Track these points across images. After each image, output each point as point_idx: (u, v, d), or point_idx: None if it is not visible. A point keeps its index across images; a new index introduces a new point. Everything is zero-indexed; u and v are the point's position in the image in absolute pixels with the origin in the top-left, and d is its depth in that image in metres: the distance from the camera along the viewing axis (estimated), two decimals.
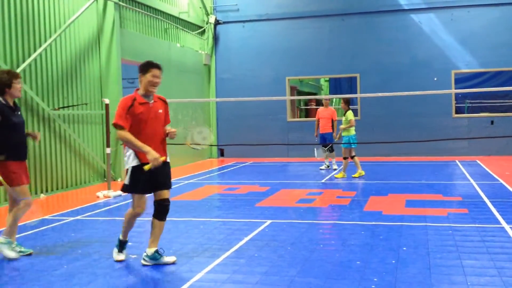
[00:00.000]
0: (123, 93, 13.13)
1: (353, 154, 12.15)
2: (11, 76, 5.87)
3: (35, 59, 10.48)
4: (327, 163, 14.06)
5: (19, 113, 6.06)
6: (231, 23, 18.56)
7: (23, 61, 10.20)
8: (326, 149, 13.64)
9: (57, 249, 6.17)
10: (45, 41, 10.77)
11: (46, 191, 10.70)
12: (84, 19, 12.05)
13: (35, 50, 10.49)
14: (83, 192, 11.04)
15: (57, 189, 11.02)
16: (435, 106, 16.75)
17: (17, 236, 6.15)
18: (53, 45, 11.07)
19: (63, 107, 11.24)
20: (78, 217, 8.15)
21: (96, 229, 7.32)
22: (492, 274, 4.85)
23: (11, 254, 5.80)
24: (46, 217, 8.23)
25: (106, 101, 10.99)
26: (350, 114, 11.91)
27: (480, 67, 16.75)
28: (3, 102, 5.85)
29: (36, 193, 10.40)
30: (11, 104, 5.94)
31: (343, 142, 12.05)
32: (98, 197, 10.02)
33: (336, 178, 12.05)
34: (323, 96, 25.27)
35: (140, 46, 14.13)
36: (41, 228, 7.38)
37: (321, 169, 13.99)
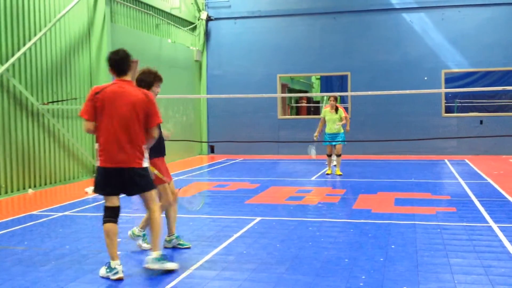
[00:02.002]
0: None
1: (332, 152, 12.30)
2: (156, 78, 5.56)
3: (24, 53, 10.39)
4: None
5: None
6: (223, 19, 18.52)
7: (12, 55, 10.11)
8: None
9: (45, 245, 6.14)
10: (35, 35, 10.68)
11: (34, 186, 10.63)
12: (75, 13, 11.96)
13: (24, 44, 10.40)
14: (72, 188, 10.98)
15: (45, 184, 10.96)
16: (425, 105, 16.83)
17: (3, 231, 6.11)
18: (42, 39, 10.98)
19: (52, 102, 11.16)
20: (66, 213, 8.11)
21: (85, 224, 7.28)
22: (479, 273, 4.88)
23: (145, 246, 5.85)
24: (34, 212, 8.19)
25: None
26: (343, 111, 12.03)
27: (470, 67, 16.84)
28: None
29: (24, 188, 10.34)
30: None
31: (342, 139, 12.06)
32: (86, 192, 9.97)
33: (339, 175, 12.06)
34: (314, 94, 25.31)
35: (131, 41, 14.04)
36: (29, 224, 7.33)
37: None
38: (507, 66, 16.53)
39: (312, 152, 13.54)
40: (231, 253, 5.69)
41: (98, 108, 4.88)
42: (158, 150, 5.65)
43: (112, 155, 4.86)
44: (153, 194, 5.13)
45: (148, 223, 5.29)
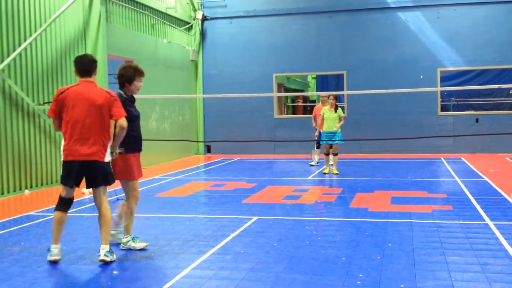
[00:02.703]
0: (109, 89, 13.03)
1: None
2: (136, 73, 5.87)
3: (20, 54, 10.36)
4: (317, 160, 14.10)
5: (135, 105, 6.00)
6: (219, 19, 18.51)
7: (8, 55, 10.08)
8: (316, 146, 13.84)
9: (41, 245, 6.12)
10: (30, 35, 10.65)
11: (31, 187, 10.61)
12: (70, 13, 11.93)
13: (20, 45, 10.37)
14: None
15: (41, 185, 10.93)
16: (421, 104, 16.86)
17: (0, 232, 6.09)
18: (38, 40, 10.95)
19: (48, 102, 11.13)
20: None
21: (81, 225, 7.26)
22: (476, 270, 4.90)
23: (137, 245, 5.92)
24: (31, 213, 8.17)
25: None
26: (341, 110, 12.12)
27: (466, 65, 16.89)
28: (124, 95, 5.82)
29: (20, 189, 10.31)
30: (130, 97, 5.93)
31: (339, 139, 12.08)
32: (83, 193, 9.93)
33: (336, 174, 12.08)
34: (310, 93, 25.35)
35: (126, 41, 14.04)
36: (25, 224, 7.31)
37: (311, 165, 14.01)
38: (502, 64, 16.59)
39: (314, 154, 13.68)
40: (228, 252, 5.69)
41: (63, 107, 5.33)
42: (133, 147, 5.85)
43: (75, 149, 5.28)
44: (105, 189, 5.55)
45: (120, 219, 5.95)
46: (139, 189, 6.04)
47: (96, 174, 5.35)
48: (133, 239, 5.87)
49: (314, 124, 14.10)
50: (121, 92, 5.87)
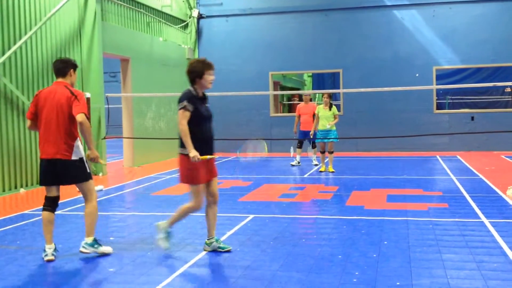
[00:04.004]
0: (105, 87, 13.02)
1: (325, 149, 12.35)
2: (205, 66, 5.63)
3: (15, 52, 10.32)
4: (298, 160, 13.96)
5: (208, 105, 5.77)
6: (215, 17, 18.49)
7: (3, 53, 10.05)
8: (309, 145, 13.83)
9: (37, 244, 6.11)
10: (25, 33, 10.61)
11: (26, 185, 10.58)
12: (65, 11, 11.89)
13: (15, 43, 10.33)
14: (63, 187, 10.83)
15: (37, 183, 10.89)
16: (416, 102, 16.89)
17: None
18: (33, 38, 10.91)
19: None
20: (59, 212, 8.04)
21: (76, 223, 7.25)
22: (472, 268, 4.91)
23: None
24: (26, 211, 8.15)
25: (88, 95, 10.86)
26: (336, 109, 12.12)
27: (461, 64, 16.92)
28: (193, 92, 5.58)
29: (16, 187, 10.28)
30: (201, 95, 5.67)
31: (334, 137, 12.08)
32: (78, 191, 9.91)
33: (331, 172, 12.09)
34: (306, 91, 25.34)
35: (122, 39, 14.01)
36: (21, 223, 7.30)
37: (292, 164, 13.81)
38: (497, 63, 16.63)
39: (309, 150, 13.71)
40: None
41: (37, 108, 5.53)
42: (199, 151, 5.34)
43: (46, 148, 5.47)
44: (88, 185, 5.67)
45: (176, 219, 5.64)
46: (202, 197, 5.55)
47: (64, 172, 5.50)
48: (168, 234, 5.70)
49: (295, 128, 13.82)
50: (191, 90, 5.60)
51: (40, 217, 7.64)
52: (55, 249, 5.52)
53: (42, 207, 5.58)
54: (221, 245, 5.66)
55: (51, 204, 5.61)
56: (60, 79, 5.63)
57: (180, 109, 5.41)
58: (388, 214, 7.44)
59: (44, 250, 5.47)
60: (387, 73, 17.02)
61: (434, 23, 16.87)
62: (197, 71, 5.58)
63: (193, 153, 5.25)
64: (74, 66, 5.74)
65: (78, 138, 5.57)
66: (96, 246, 5.53)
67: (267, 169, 13.72)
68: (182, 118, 5.37)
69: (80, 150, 5.55)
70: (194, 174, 5.39)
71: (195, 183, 5.43)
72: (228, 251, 5.60)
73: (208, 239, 5.68)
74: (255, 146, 6.34)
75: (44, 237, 5.52)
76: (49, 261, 5.39)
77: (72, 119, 5.42)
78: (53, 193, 5.63)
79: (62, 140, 5.42)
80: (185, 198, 9.15)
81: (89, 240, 5.53)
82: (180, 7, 17.71)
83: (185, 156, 5.36)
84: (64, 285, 4.70)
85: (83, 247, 5.52)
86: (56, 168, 5.47)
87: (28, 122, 5.66)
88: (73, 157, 5.48)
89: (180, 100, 5.48)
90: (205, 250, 5.65)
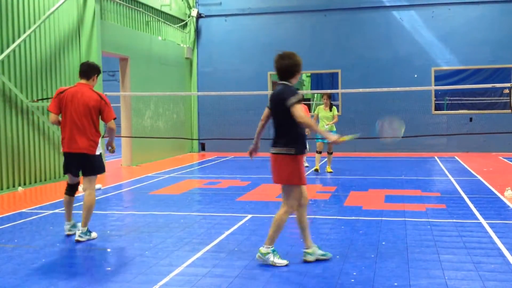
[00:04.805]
0: (103, 86, 13.01)
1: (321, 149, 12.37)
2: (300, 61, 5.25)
3: (13, 50, 10.31)
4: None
5: None
6: (213, 17, 18.48)
7: (2, 52, 10.03)
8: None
9: (35, 243, 6.10)
10: (24, 32, 10.59)
11: (24, 184, 10.57)
12: (64, 10, 11.88)
13: (14, 41, 10.32)
14: (62, 185, 10.85)
15: (35, 182, 10.89)
16: (415, 103, 16.88)
17: None
18: (32, 36, 10.90)
19: (42, 99, 11.09)
20: (57, 211, 8.06)
21: (77, 221, 7.23)
22: (469, 269, 4.92)
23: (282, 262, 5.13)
24: (24, 210, 8.14)
25: None
26: (336, 109, 12.17)
27: (460, 65, 16.94)
28: (294, 88, 5.16)
29: (14, 186, 10.27)
30: None
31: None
32: (77, 190, 9.91)
33: (330, 172, 12.10)
34: (305, 91, 25.32)
35: (121, 38, 13.99)
36: (19, 221, 7.29)
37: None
38: (496, 64, 16.64)
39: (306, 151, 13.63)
40: (222, 250, 5.69)
41: (61, 105, 6.13)
42: (301, 148, 5.12)
43: (70, 142, 6.12)
44: (95, 177, 6.36)
45: (276, 234, 5.17)
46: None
47: (88, 165, 6.21)
48: (273, 251, 5.15)
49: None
50: (290, 84, 5.19)
51: (38, 215, 7.67)
52: (73, 225, 6.35)
53: (50, 202, 6.29)
54: (322, 252, 5.29)
55: (72, 189, 6.43)
56: (83, 81, 6.24)
57: (296, 103, 4.92)
58: (386, 214, 7.45)
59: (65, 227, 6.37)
60: (385, 73, 17.02)
61: (433, 24, 16.89)
62: (300, 64, 5.19)
63: (334, 136, 4.97)
64: (99, 72, 6.36)
65: (100, 135, 6.30)
66: (88, 234, 6.18)
67: (266, 169, 13.71)
68: (303, 111, 4.95)
69: (99, 146, 6.27)
70: (301, 174, 5.10)
71: (302, 183, 5.13)
72: (327, 259, 5.25)
73: (310, 248, 5.23)
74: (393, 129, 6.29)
75: (64, 215, 6.42)
76: (69, 235, 6.29)
77: (98, 119, 6.17)
78: (73, 181, 6.42)
79: (89, 137, 6.12)
80: (183, 198, 9.18)
81: (85, 229, 6.15)
82: (179, 7, 17.71)
83: (290, 156, 5.05)
84: (61, 284, 4.70)
85: (80, 236, 6.08)
86: (81, 161, 6.17)
87: (53, 117, 6.20)
88: (97, 152, 6.22)
89: (288, 95, 5.00)
90: (309, 261, 5.17)
